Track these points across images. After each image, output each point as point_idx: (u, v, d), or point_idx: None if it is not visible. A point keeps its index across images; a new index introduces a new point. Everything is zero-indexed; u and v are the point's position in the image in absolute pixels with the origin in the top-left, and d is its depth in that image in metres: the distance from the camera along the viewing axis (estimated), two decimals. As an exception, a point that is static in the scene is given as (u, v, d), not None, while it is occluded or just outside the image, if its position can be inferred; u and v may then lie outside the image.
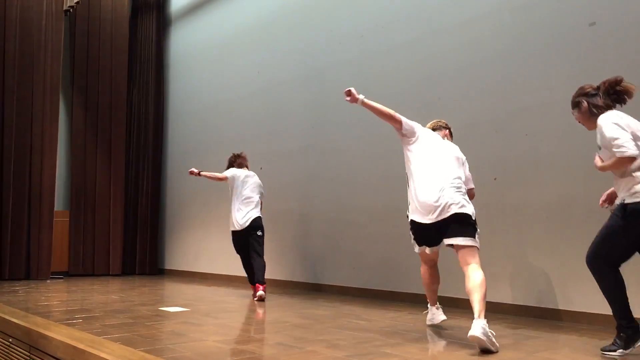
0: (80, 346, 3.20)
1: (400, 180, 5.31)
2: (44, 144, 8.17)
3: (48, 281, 7.77)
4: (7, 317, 4.26)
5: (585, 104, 3.33)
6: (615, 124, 3.13)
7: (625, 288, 3.17)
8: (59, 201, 8.68)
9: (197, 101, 8.84)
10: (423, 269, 4.07)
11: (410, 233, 3.80)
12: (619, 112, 3.25)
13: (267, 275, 7.16)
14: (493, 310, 4.76)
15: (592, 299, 4.24)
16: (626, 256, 3.20)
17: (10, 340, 4.06)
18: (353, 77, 6.30)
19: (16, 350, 3.97)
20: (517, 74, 4.87)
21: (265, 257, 5.92)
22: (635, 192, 3.08)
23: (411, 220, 3.73)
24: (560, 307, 4.42)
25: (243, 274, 7.62)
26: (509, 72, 4.93)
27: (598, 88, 3.33)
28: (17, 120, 7.98)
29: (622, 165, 3.10)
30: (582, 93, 3.37)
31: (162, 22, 9.63)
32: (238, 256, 6.13)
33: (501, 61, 4.99)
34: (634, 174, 3.10)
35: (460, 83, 5.29)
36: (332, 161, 6.52)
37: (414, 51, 5.72)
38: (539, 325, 4.20)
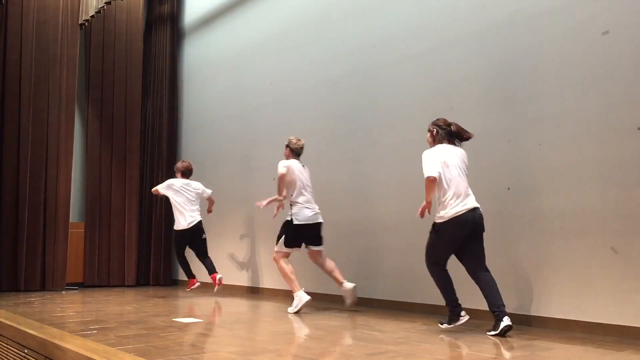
0: (95, 357, 3.21)
1: (413, 190, 5.31)
2: (60, 156, 8.25)
3: (63, 292, 7.82)
4: (22, 328, 4.29)
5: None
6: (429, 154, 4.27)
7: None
8: (74, 213, 8.76)
9: (210, 112, 8.90)
10: None
11: None
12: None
13: (280, 287, 7.18)
14: (508, 321, 4.73)
15: (607, 310, 4.20)
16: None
17: (26, 351, 4.09)
18: (365, 87, 6.32)
19: (32, 361, 4.00)
20: (529, 83, 4.85)
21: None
22: (439, 216, 4.24)
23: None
24: (575, 318, 4.37)
25: (258, 284, 7.64)
26: (521, 81, 4.91)
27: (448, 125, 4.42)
28: (33, 133, 8.07)
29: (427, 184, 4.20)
30: (434, 123, 4.48)
31: (176, 35, 9.72)
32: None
33: (513, 70, 4.98)
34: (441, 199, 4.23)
35: (473, 93, 5.29)
36: (344, 171, 6.52)
37: (426, 61, 5.72)
38: (554, 336, 4.15)
